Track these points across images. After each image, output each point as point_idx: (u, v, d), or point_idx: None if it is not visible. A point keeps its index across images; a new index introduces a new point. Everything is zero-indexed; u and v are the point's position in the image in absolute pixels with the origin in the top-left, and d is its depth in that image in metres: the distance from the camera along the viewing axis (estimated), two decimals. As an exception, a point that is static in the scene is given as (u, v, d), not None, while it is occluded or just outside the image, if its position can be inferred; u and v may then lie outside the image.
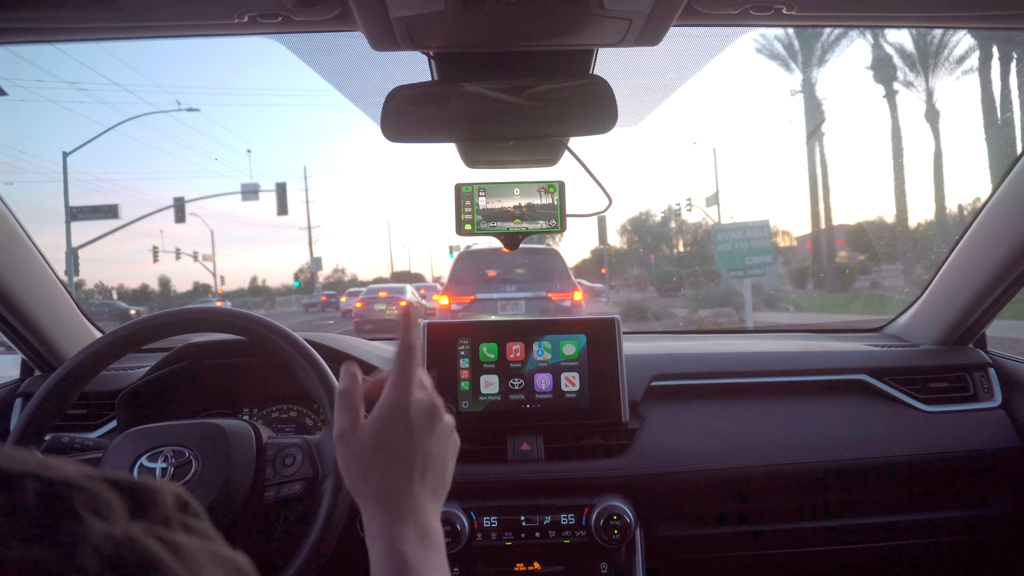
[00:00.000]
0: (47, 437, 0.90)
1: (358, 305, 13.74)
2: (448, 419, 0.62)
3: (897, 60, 18.20)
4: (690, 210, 24.45)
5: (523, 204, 1.02)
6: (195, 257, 25.28)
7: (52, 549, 0.23)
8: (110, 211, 18.13)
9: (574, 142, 1.02)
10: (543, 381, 1.19)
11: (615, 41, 0.82)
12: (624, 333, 1.23)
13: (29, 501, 0.24)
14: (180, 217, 19.61)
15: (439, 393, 0.64)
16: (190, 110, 24.32)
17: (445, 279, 8.35)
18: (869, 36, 18.12)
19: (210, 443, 0.85)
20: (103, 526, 0.24)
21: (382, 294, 13.89)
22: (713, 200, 20.09)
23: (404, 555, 0.53)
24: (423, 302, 13.98)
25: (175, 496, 0.29)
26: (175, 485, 0.30)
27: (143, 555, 0.25)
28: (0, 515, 0.23)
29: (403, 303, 13.01)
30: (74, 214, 17.62)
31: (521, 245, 1.04)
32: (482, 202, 1.02)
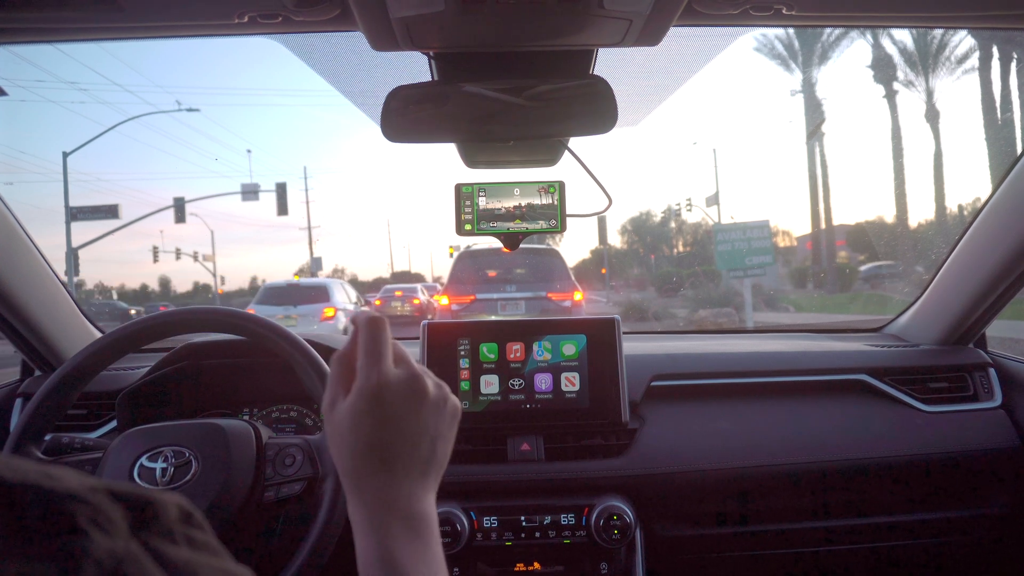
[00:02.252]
0: (47, 437, 0.90)
1: (377, 303, 15.80)
2: (436, 391, 0.55)
3: (897, 60, 18.23)
4: (690, 210, 24.44)
5: (523, 204, 1.02)
6: (195, 257, 25.25)
7: (54, 565, 0.22)
8: (110, 211, 18.13)
9: (574, 142, 1.02)
10: (543, 381, 1.19)
11: (615, 41, 0.82)
12: (624, 333, 1.23)
13: (31, 515, 0.24)
14: (180, 217, 19.60)
15: None
16: (190, 110, 24.24)
17: (445, 279, 8.36)
18: (869, 36, 18.14)
19: (210, 443, 0.85)
20: (106, 541, 0.24)
21: (397, 293, 16.05)
22: (713, 200, 20.08)
23: (390, 550, 0.49)
24: (431, 301, 14.80)
25: (178, 508, 0.29)
26: (178, 496, 0.29)
27: (143, 572, 0.24)
28: (0, 529, 0.23)
29: (398, 294, 15.57)
30: (74, 214, 17.62)
31: (521, 245, 1.05)
32: (482, 202, 1.02)
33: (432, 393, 0.55)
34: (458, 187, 1.02)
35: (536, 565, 1.14)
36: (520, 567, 1.14)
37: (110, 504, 0.26)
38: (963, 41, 16.87)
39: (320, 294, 9.58)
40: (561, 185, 1.02)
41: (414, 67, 0.91)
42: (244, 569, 0.30)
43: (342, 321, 9.36)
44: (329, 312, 9.31)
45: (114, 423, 1.21)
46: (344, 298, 9.71)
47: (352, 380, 0.54)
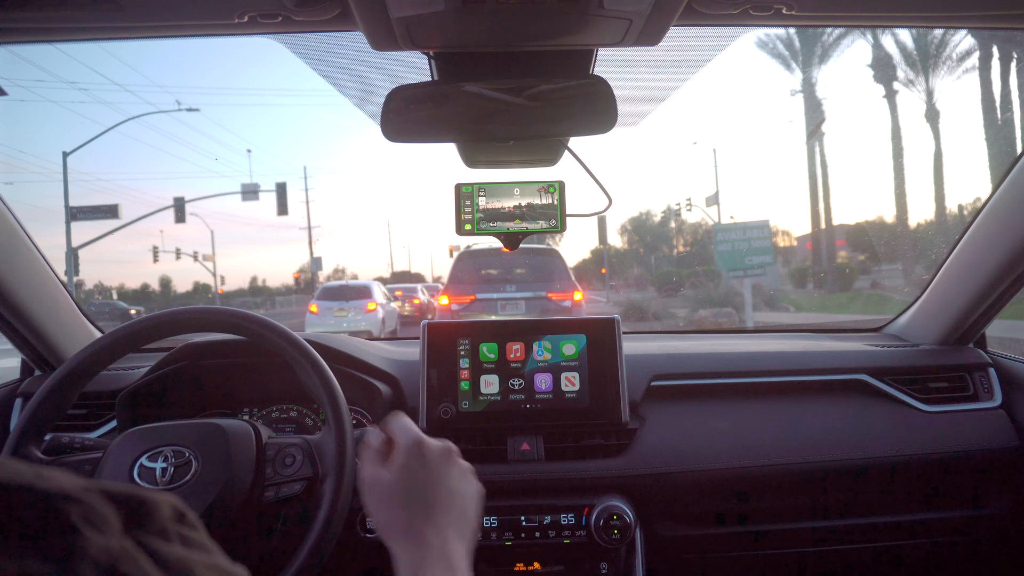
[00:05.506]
0: (47, 437, 0.90)
1: (398, 294, 16.80)
2: (464, 463, 0.68)
3: (897, 60, 18.20)
4: (690, 210, 24.46)
5: (523, 204, 1.02)
6: (195, 257, 25.27)
7: (48, 563, 0.22)
8: (110, 211, 18.12)
9: (574, 142, 1.02)
10: (543, 381, 1.19)
11: (615, 41, 0.82)
12: (624, 333, 1.23)
13: (25, 513, 0.24)
14: (180, 217, 19.60)
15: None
16: (190, 110, 24.19)
17: (445, 279, 8.36)
18: (869, 36, 18.11)
19: (210, 443, 0.85)
20: (100, 539, 0.24)
21: (398, 293, 16.67)
22: (713, 200, 20.08)
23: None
24: (432, 301, 15.06)
25: (171, 507, 0.29)
26: (171, 496, 0.30)
27: (139, 569, 0.24)
28: None
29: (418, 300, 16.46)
30: (74, 214, 17.62)
31: (521, 245, 1.05)
32: (482, 202, 1.02)
33: (462, 464, 0.69)
34: (458, 187, 1.02)
35: (536, 565, 1.14)
36: (520, 567, 1.14)
37: (103, 503, 0.26)
38: (963, 41, 16.86)
39: (365, 292, 12.39)
40: (561, 185, 1.02)
41: (414, 67, 0.91)
42: (238, 566, 0.30)
43: (380, 313, 12.05)
44: (371, 306, 11.91)
45: (114, 423, 1.21)
46: (381, 295, 12.88)
47: (382, 458, 0.66)
